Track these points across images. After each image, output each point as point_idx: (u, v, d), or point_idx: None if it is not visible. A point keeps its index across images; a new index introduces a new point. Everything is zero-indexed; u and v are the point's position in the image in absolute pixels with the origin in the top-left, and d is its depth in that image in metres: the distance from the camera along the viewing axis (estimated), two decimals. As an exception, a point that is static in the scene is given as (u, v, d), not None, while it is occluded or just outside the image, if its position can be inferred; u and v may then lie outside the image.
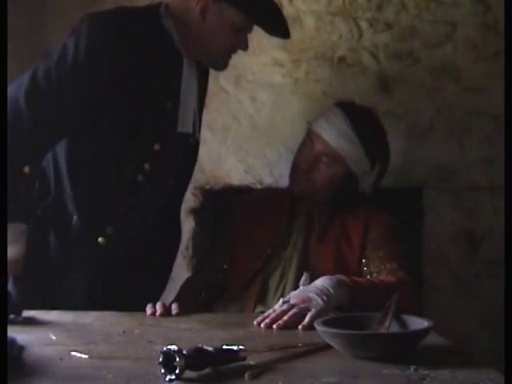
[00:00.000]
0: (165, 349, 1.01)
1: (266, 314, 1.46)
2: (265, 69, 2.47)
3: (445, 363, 1.08)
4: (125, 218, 1.78)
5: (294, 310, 1.43)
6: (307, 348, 1.20)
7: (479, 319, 2.43)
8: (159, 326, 1.48)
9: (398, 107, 2.48)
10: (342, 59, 2.49)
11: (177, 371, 0.99)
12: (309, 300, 1.46)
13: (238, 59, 2.51)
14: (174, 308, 1.60)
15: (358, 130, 1.88)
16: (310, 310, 1.43)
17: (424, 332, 1.16)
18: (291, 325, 1.41)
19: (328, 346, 1.18)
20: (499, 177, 2.37)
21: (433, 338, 1.22)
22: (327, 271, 1.64)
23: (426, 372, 1.03)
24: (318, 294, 1.48)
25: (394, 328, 1.24)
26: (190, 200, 2.50)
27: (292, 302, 1.47)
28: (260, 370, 1.04)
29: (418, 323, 1.21)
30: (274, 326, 1.40)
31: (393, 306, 1.28)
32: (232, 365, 1.06)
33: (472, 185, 2.46)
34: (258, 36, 2.50)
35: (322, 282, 1.54)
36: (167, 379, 0.99)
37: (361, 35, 2.49)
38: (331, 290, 1.50)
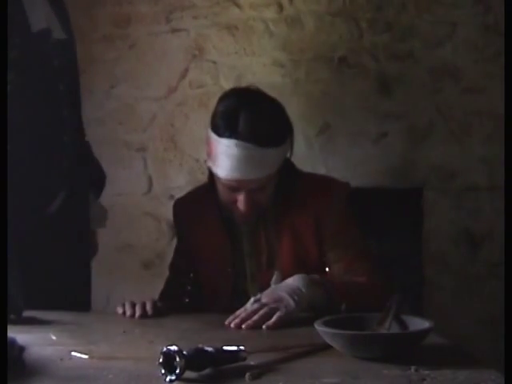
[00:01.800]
0: (165, 349, 1.01)
1: (237, 313, 1.44)
2: (265, 69, 2.48)
3: (445, 363, 1.08)
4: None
5: (264, 310, 1.42)
6: (307, 348, 1.19)
7: (479, 319, 2.43)
8: (159, 327, 1.48)
9: (398, 108, 2.49)
10: (342, 60, 2.49)
11: (177, 371, 0.98)
12: (280, 300, 1.45)
13: (239, 59, 2.52)
14: (149, 308, 1.59)
15: (264, 142, 1.61)
16: (279, 310, 1.42)
17: (424, 332, 1.16)
18: (261, 324, 1.39)
19: (328, 346, 1.18)
20: (499, 177, 2.38)
21: (433, 339, 1.22)
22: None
23: (426, 372, 1.03)
24: (289, 294, 1.46)
25: (395, 328, 1.23)
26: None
27: (263, 300, 1.45)
28: (260, 371, 1.03)
29: (418, 324, 1.20)
30: (243, 326, 1.39)
31: (393, 307, 1.27)
32: (232, 365, 1.06)
33: (472, 185, 2.47)
34: (258, 37, 2.52)
35: (294, 281, 1.52)
36: (167, 379, 0.99)
37: (361, 36, 2.49)
38: (303, 290, 1.48)
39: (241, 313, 1.44)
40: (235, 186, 1.66)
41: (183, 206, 1.89)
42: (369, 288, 1.62)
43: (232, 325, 1.41)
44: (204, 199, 1.81)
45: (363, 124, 2.49)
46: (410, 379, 1.00)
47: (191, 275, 1.86)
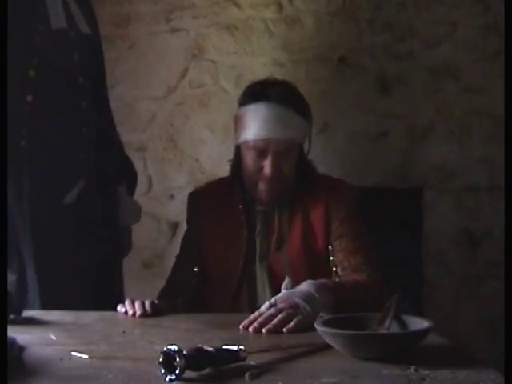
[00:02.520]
0: (165, 349, 1.01)
1: (252, 318, 1.42)
2: (265, 69, 2.48)
3: (445, 363, 1.08)
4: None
5: (282, 315, 1.41)
6: (307, 348, 1.19)
7: (479, 319, 2.43)
8: (159, 326, 1.48)
9: (398, 107, 2.49)
10: (341, 59, 2.49)
11: (177, 371, 0.98)
12: (296, 305, 1.44)
13: (238, 59, 2.52)
14: (148, 307, 1.60)
15: (290, 105, 1.78)
16: (297, 315, 1.42)
17: (424, 332, 1.16)
18: (280, 329, 1.38)
19: (328, 346, 1.18)
20: (499, 177, 2.38)
21: (433, 338, 1.22)
22: (300, 271, 1.63)
23: (426, 372, 1.03)
24: (304, 300, 1.46)
25: (394, 328, 1.23)
26: (190, 200, 2.50)
27: (280, 306, 1.45)
28: (260, 370, 1.03)
29: (418, 323, 1.20)
30: (264, 330, 1.38)
31: (393, 306, 1.28)
32: (232, 365, 1.06)
33: (472, 185, 2.47)
34: (258, 36, 2.52)
35: (306, 287, 1.53)
36: (167, 379, 0.99)
37: (360, 35, 2.49)
38: (316, 295, 1.49)
39: (256, 317, 1.42)
40: (262, 148, 1.77)
41: (201, 194, 1.99)
42: (370, 287, 1.66)
43: (250, 329, 1.39)
44: (223, 186, 1.94)
45: (363, 124, 2.49)
46: (409, 379, 1.00)
47: (200, 260, 1.89)
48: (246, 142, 1.80)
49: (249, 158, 1.81)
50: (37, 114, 1.74)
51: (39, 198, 1.74)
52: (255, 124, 1.77)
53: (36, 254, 1.73)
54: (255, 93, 1.81)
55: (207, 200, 1.94)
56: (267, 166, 1.78)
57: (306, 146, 1.90)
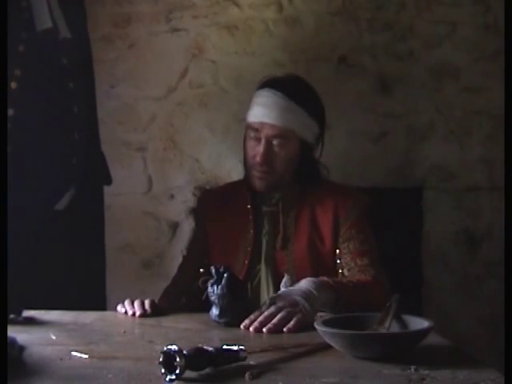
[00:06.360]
0: (165, 349, 1.01)
1: (253, 317, 1.43)
2: (265, 69, 2.47)
3: (445, 363, 1.08)
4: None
5: (282, 313, 1.41)
6: (307, 348, 1.20)
7: (479, 319, 2.43)
8: (159, 326, 1.48)
9: (398, 107, 2.49)
10: (341, 59, 2.49)
11: (177, 371, 0.99)
12: (296, 303, 1.45)
13: (239, 59, 2.52)
14: (147, 307, 1.60)
15: (292, 96, 1.83)
16: (296, 314, 1.42)
17: (424, 332, 1.16)
18: (281, 328, 1.39)
19: (328, 346, 1.18)
20: (499, 177, 2.38)
21: (433, 338, 1.22)
22: (305, 273, 1.63)
23: (426, 372, 1.03)
24: (304, 298, 1.46)
25: (395, 328, 1.24)
26: (190, 200, 2.50)
27: (279, 304, 1.45)
28: (260, 370, 1.04)
29: (418, 323, 1.21)
30: (264, 330, 1.38)
31: (393, 306, 1.28)
32: (232, 365, 1.06)
33: (472, 185, 2.47)
34: (258, 36, 2.52)
35: (306, 284, 1.53)
36: (167, 379, 0.99)
37: (361, 35, 2.49)
38: (316, 293, 1.49)
39: (257, 316, 1.43)
40: (257, 130, 1.83)
41: (209, 196, 2.04)
42: (373, 288, 1.66)
43: (251, 329, 1.39)
44: (234, 187, 1.98)
45: (363, 124, 2.49)
46: (409, 379, 1.00)
47: (205, 261, 1.89)
48: (247, 124, 1.88)
49: (248, 141, 1.87)
50: (18, 130, 1.70)
51: (31, 204, 1.73)
52: (256, 109, 1.85)
53: (20, 256, 1.72)
54: (267, 81, 1.90)
55: (216, 201, 1.96)
56: (259, 152, 1.82)
57: (317, 150, 1.93)
